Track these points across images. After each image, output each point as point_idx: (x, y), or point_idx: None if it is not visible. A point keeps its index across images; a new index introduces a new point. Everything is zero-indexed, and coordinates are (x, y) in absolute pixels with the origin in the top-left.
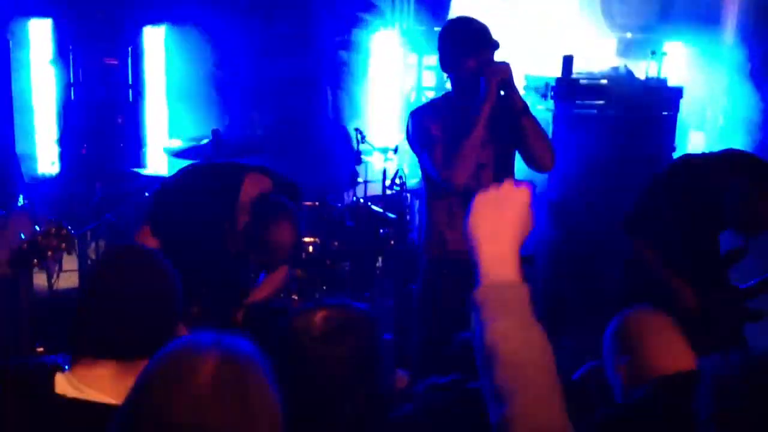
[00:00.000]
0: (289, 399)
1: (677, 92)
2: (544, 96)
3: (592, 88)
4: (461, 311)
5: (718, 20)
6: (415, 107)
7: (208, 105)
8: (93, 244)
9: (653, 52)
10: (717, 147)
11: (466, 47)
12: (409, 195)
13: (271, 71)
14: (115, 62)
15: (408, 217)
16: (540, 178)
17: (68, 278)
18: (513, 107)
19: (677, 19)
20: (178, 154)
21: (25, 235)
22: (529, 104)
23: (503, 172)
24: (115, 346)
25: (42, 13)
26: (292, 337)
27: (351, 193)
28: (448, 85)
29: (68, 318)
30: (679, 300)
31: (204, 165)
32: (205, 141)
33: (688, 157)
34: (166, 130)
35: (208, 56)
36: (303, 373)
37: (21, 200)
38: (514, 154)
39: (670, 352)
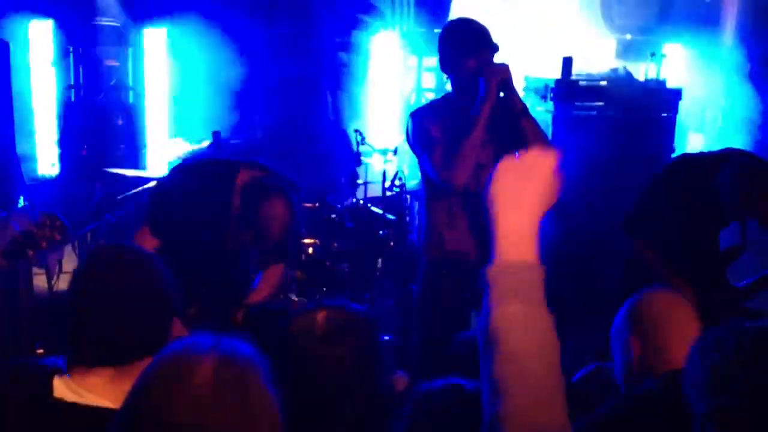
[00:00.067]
0: (289, 399)
1: (676, 94)
2: (544, 97)
3: (591, 90)
4: (461, 312)
5: (717, 22)
6: (415, 108)
7: (209, 107)
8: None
9: (653, 54)
10: (716, 148)
11: (466, 48)
12: (408, 196)
13: (272, 73)
14: (116, 63)
15: (408, 219)
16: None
17: (68, 279)
18: (512, 108)
19: (676, 21)
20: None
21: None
22: (528, 105)
23: None
24: (108, 353)
25: (43, 14)
26: (292, 338)
27: (351, 195)
28: (448, 87)
29: (67, 320)
30: None
31: (198, 162)
32: (206, 143)
33: (687, 157)
34: (167, 132)
35: (209, 58)
36: (303, 373)
37: (21, 201)
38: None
39: (686, 346)
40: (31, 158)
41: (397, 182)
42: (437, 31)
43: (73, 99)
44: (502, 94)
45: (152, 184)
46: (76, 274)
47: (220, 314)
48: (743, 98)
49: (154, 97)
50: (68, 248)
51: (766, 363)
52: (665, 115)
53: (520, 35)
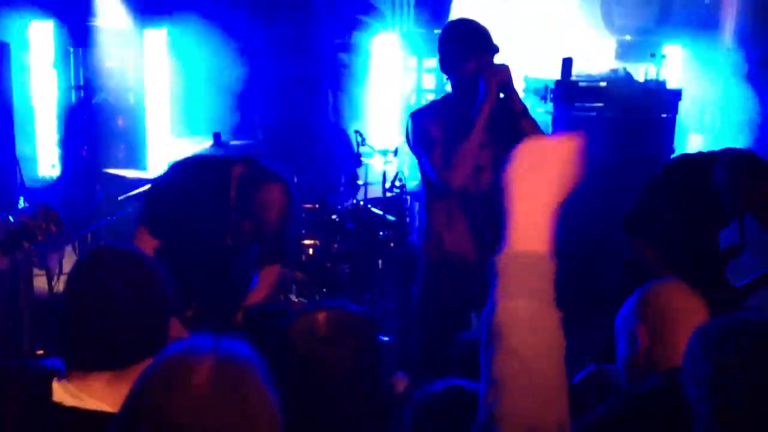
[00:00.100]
0: (290, 400)
1: (676, 94)
2: (544, 98)
3: (591, 91)
4: (460, 312)
5: (716, 23)
6: (415, 109)
7: (209, 107)
8: None
9: (652, 55)
10: (715, 149)
11: (466, 50)
12: (408, 197)
13: (272, 73)
14: (117, 65)
15: (408, 220)
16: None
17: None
18: (512, 109)
19: (676, 23)
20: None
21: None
22: (528, 106)
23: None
24: (105, 357)
25: (43, 15)
26: (293, 340)
27: (351, 196)
28: (448, 87)
29: (62, 323)
30: None
31: (192, 160)
32: (207, 144)
33: (687, 157)
34: (168, 133)
35: (209, 59)
36: (304, 374)
37: (21, 202)
38: None
39: None
40: (32, 159)
41: (397, 183)
42: (437, 31)
43: (73, 100)
44: (502, 95)
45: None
46: (71, 277)
47: (218, 315)
48: (742, 99)
49: (154, 98)
50: (68, 249)
51: (765, 362)
52: (665, 115)
53: (520, 36)
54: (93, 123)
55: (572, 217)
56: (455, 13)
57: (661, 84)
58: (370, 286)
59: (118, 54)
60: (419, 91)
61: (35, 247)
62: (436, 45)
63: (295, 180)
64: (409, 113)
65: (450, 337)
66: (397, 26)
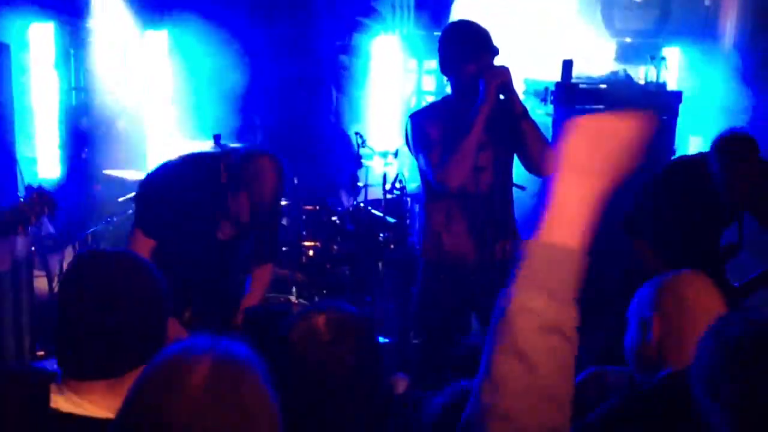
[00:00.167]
0: (290, 400)
1: (677, 96)
2: (544, 100)
3: (591, 93)
4: (459, 313)
5: (716, 26)
6: (414, 110)
7: (210, 109)
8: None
9: (653, 57)
10: None
11: (466, 51)
12: (409, 199)
13: (272, 75)
14: (117, 66)
15: (408, 221)
16: (540, 182)
17: None
18: (512, 111)
19: (676, 25)
20: None
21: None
22: (528, 108)
23: (502, 175)
24: (101, 368)
25: (44, 17)
26: (293, 343)
27: (351, 197)
28: (448, 90)
29: (56, 333)
30: None
31: (181, 158)
32: (207, 145)
33: (686, 157)
34: (168, 134)
35: (209, 60)
36: (303, 375)
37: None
38: (513, 158)
39: None
40: (32, 161)
41: (397, 185)
42: (437, 34)
43: (74, 102)
44: (502, 97)
45: None
46: (61, 287)
47: (216, 316)
48: (742, 101)
49: (154, 100)
50: (69, 250)
51: (766, 363)
52: (665, 117)
53: (520, 38)
54: (94, 125)
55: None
56: (455, 16)
57: (661, 86)
58: (370, 287)
59: (118, 56)
60: (419, 93)
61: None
62: (437, 47)
63: (296, 181)
64: (408, 115)
65: (449, 337)
66: (397, 28)
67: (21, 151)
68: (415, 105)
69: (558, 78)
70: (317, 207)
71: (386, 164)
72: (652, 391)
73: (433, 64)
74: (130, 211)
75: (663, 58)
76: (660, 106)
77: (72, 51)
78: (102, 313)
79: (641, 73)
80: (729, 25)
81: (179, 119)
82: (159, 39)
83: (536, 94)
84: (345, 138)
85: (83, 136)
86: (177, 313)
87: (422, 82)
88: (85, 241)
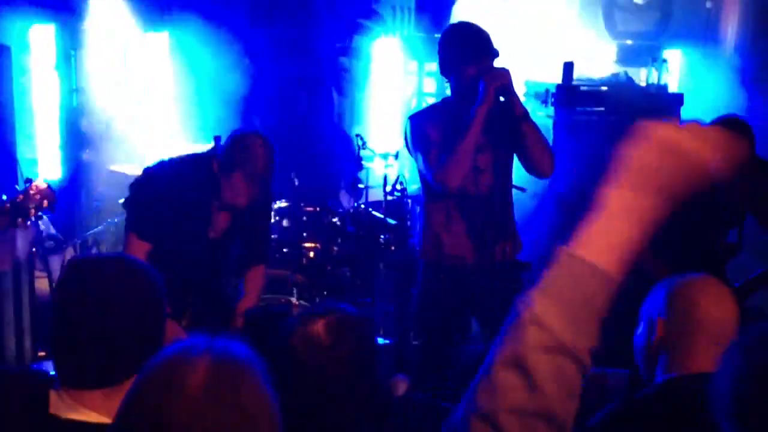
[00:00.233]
0: (290, 401)
1: (678, 99)
2: (545, 102)
3: (592, 95)
4: (459, 314)
5: (717, 29)
6: (414, 111)
7: (211, 110)
8: (94, 249)
9: (654, 59)
10: None
11: (466, 53)
12: (409, 201)
13: (273, 76)
14: (118, 67)
15: (408, 223)
16: (540, 183)
17: None
18: (513, 113)
19: (677, 27)
20: None
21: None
22: (529, 110)
23: (502, 177)
24: (97, 378)
25: (44, 19)
26: (293, 345)
27: (352, 199)
28: (449, 91)
29: (52, 341)
30: None
31: (170, 160)
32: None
33: None
34: (169, 136)
35: (210, 62)
36: (303, 375)
37: None
38: (513, 160)
39: (714, 348)
40: (33, 162)
41: (398, 187)
42: (438, 36)
43: (75, 103)
44: (502, 99)
45: None
46: (56, 294)
47: (214, 317)
48: (742, 104)
49: (155, 101)
50: (70, 251)
51: None
52: (666, 120)
53: (520, 40)
54: (94, 126)
55: (573, 222)
56: (456, 18)
57: (662, 88)
58: (370, 289)
59: (119, 57)
60: (420, 95)
61: (37, 249)
62: (437, 49)
63: (296, 183)
64: (407, 116)
65: (449, 338)
66: (398, 30)
67: (22, 152)
68: (415, 107)
69: (559, 80)
70: (318, 208)
71: (387, 166)
72: (653, 396)
73: (434, 66)
74: None
75: (664, 61)
76: (661, 108)
77: (73, 52)
78: (100, 319)
79: (642, 76)
80: (730, 28)
81: (180, 121)
82: (160, 40)
83: (537, 95)
84: (346, 139)
85: (84, 138)
86: (174, 315)
87: (423, 84)
88: (86, 242)
